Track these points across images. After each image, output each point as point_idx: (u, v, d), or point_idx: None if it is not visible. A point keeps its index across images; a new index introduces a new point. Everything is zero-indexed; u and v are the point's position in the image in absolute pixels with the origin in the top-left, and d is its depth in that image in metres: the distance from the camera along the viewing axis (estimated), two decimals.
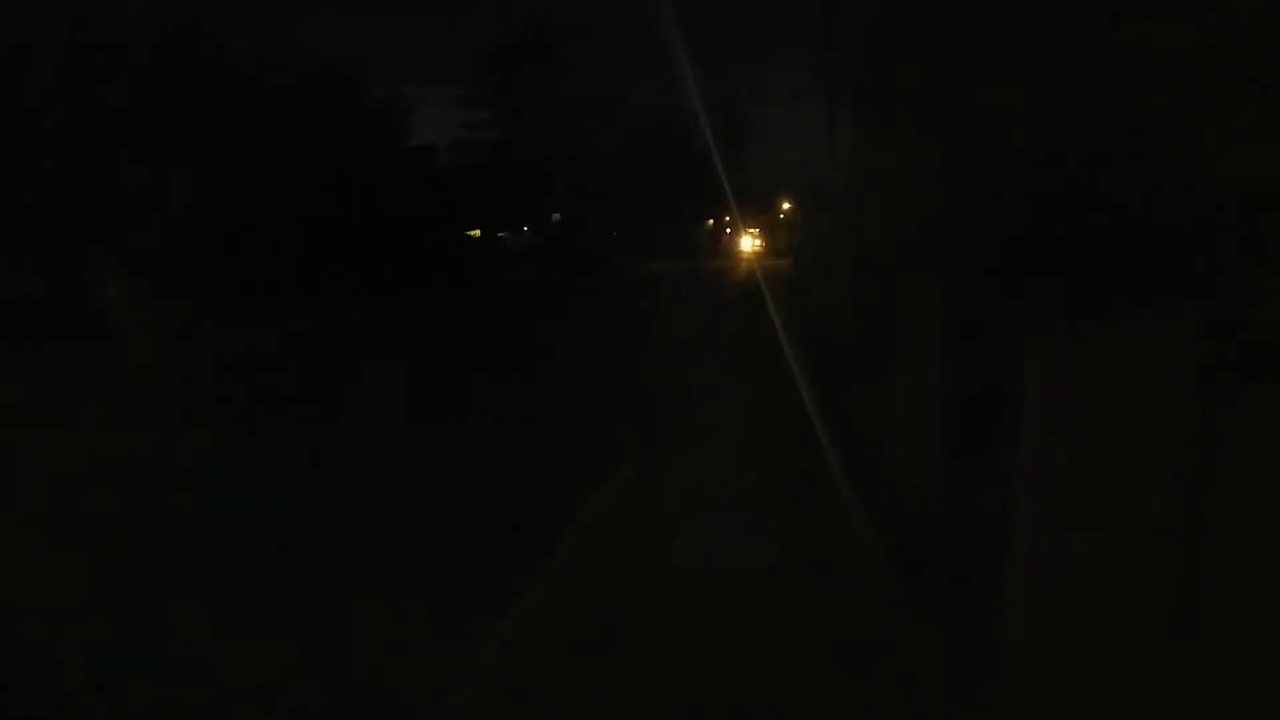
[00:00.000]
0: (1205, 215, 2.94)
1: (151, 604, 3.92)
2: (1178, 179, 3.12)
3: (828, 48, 13.76)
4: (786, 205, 45.97)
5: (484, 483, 5.83)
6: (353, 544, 4.67)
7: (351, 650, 3.45)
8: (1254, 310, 2.63)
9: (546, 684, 3.17)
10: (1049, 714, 2.86)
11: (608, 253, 37.46)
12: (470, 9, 55.11)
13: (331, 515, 5.18)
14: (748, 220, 50.91)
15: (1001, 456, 3.23)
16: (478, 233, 36.66)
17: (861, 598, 3.74)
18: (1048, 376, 2.96)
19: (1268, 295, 2.63)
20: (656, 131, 45.56)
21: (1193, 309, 2.75)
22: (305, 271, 19.38)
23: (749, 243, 50.70)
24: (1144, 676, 2.72)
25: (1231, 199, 2.84)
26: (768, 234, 52.52)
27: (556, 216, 41.42)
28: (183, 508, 5.33)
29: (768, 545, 4.49)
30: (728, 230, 54.21)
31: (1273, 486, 2.32)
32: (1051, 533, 2.96)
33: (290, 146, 19.43)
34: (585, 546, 4.52)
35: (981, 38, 4.65)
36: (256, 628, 3.67)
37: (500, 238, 38.10)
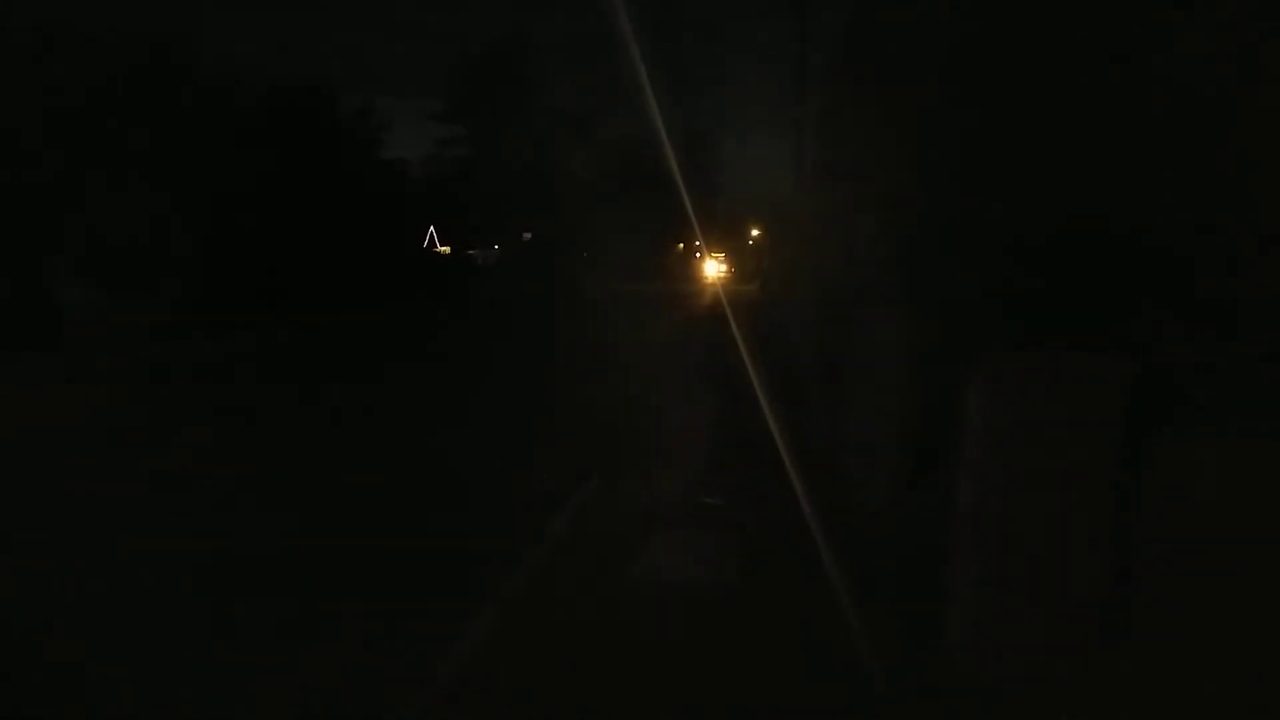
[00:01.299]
0: (1137, 266, 3.17)
1: None
2: (1119, 224, 3.35)
3: (796, 80, 14.13)
4: (755, 231, 46.46)
5: (471, 481, 6.02)
6: (328, 556, 4.75)
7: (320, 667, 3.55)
8: (1172, 355, 2.87)
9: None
10: None
11: (577, 273, 37.47)
12: (452, 25, 55.43)
13: (318, 521, 5.27)
14: (715, 245, 51.30)
15: (949, 479, 3.42)
16: (448, 249, 36.64)
17: (817, 613, 3.89)
18: (985, 406, 3.17)
19: (1186, 343, 2.87)
20: (628, 153, 45.80)
21: (1120, 351, 2.99)
22: (262, 286, 19.16)
23: (714, 267, 50.93)
24: (1083, 683, 2.92)
25: (1163, 253, 3.08)
26: (735, 259, 52.97)
27: (528, 235, 41.48)
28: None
29: (727, 561, 4.64)
30: (697, 255, 54.57)
31: (1190, 512, 2.54)
32: (991, 551, 3.15)
33: (258, 161, 19.36)
34: (554, 547, 4.78)
35: (932, 77, 4.90)
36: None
37: (470, 255, 38.08)
